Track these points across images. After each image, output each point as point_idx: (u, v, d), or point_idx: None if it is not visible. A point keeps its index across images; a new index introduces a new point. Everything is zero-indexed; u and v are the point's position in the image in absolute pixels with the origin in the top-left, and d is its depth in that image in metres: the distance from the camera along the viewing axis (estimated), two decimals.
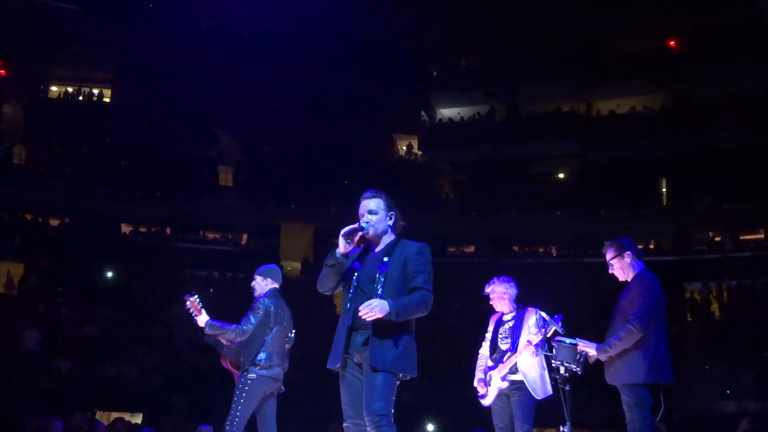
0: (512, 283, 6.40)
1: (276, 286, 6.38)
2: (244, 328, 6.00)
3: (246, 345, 6.06)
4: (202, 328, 6.09)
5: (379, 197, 4.49)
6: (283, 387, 6.29)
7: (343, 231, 4.35)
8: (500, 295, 6.35)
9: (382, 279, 4.28)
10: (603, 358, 5.29)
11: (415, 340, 4.34)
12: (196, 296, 6.06)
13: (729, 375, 17.13)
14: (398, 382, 4.27)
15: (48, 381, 16.22)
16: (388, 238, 4.48)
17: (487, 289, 6.42)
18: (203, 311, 6.05)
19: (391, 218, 4.49)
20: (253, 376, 6.00)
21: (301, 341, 20.56)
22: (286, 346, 6.33)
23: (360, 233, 4.37)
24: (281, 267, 24.07)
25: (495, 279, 6.43)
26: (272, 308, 6.19)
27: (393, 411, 4.20)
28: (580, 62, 28.05)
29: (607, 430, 10.88)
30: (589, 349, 5.33)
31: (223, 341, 6.23)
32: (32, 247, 22.22)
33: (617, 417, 5.34)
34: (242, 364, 6.05)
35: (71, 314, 19.21)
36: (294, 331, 6.44)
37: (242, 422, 5.97)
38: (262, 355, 6.05)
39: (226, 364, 6.23)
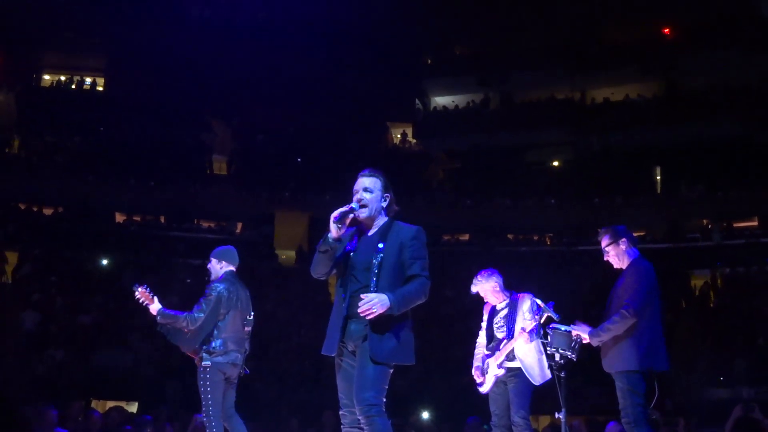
0: (495, 274, 6.37)
1: (232, 268, 6.31)
2: (195, 315, 5.92)
3: (198, 332, 5.98)
4: (155, 317, 6.02)
5: (376, 177, 4.38)
6: (246, 370, 6.24)
7: (333, 215, 4.21)
8: (490, 290, 6.34)
9: (377, 267, 4.17)
10: (595, 343, 5.30)
11: (413, 327, 4.29)
12: (145, 286, 5.99)
13: (722, 362, 17.18)
14: (392, 371, 4.23)
15: (42, 370, 16.21)
16: (381, 221, 4.36)
17: (474, 289, 6.39)
18: (155, 299, 5.98)
19: (385, 200, 4.37)
20: (208, 363, 5.95)
21: (296, 329, 20.69)
22: (246, 329, 6.25)
23: (351, 215, 4.24)
24: (276, 256, 24.01)
25: (477, 276, 6.38)
26: (225, 293, 6.08)
27: (385, 400, 4.16)
28: (574, 50, 28.02)
29: (602, 417, 10.91)
30: (583, 334, 5.34)
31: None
32: (26, 236, 22.19)
33: (612, 404, 5.35)
34: (198, 351, 5.99)
35: (65, 303, 19.19)
36: (252, 313, 6.34)
37: (217, 408, 5.93)
38: (216, 342, 5.99)
39: (187, 351, 6.15)
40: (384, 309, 4.01)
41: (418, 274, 4.18)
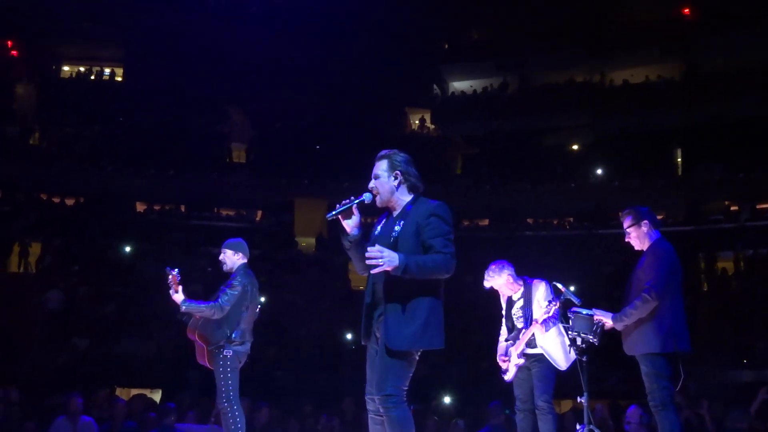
0: (506, 266, 6.32)
1: (245, 261, 6.35)
2: (223, 305, 5.98)
3: (222, 322, 6.04)
4: (177, 306, 6.07)
5: (383, 159, 4.25)
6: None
7: (328, 215, 4.11)
8: (504, 283, 6.31)
9: (392, 248, 3.94)
10: (619, 327, 5.27)
11: (441, 308, 4.08)
12: (178, 270, 6.04)
13: (745, 344, 17.08)
14: (416, 357, 4.08)
15: (66, 359, 16.38)
16: (404, 200, 4.20)
17: (487, 285, 6.34)
18: (180, 288, 6.03)
19: (395, 178, 4.18)
20: (229, 352, 6.02)
21: (315, 316, 20.73)
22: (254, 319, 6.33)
23: (355, 204, 4.09)
24: (296, 243, 24.06)
25: (488, 272, 6.32)
26: (249, 287, 6.17)
27: (406, 387, 4.06)
28: (592, 31, 27.78)
29: (625, 401, 10.88)
30: (605, 319, 5.32)
31: (196, 315, 6.16)
32: (48, 227, 22.38)
33: (635, 388, 5.33)
34: (216, 340, 6.04)
35: (87, 292, 19.36)
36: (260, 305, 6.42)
37: (236, 394, 6.03)
38: (237, 333, 6.07)
39: (194, 336, 6.18)
40: (391, 267, 3.81)
41: (439, 251, 3.97)
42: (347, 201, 4.10)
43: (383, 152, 4.29)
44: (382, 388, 4.01)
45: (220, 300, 6.01)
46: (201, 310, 6.01)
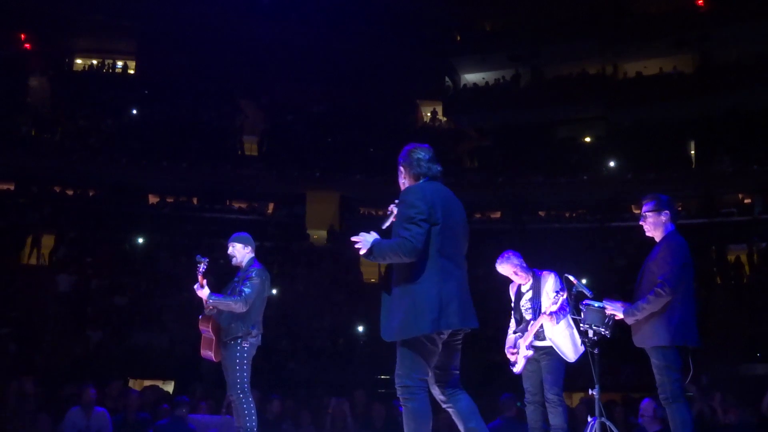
0: (511, 256, 6.34)
1: (253, 254, 6.40)
2: (248, 298, 6.03)
3: (243, 315, 6.08)
4: (201, 299, 6.10)
5: (398, 167, 4.45)
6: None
7: (383, 225, 4.30)
8: (511, 273, 6.33)
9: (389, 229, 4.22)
10: (630, 321, 5.25)
11: (431, 293, 4.03)
12: (207, 259, 6.07)
13: (759, 338, 17.02)
14: (424, 343, 4.04)
15: (80, 350, 16.51)
16: None
17: (499, 270, 6.38)
18: (205, 282, 6.06)
19: (401, 175, 4.42)
20: (246, 345, 6.08)
21: (329, 308, 20.76)
22: None
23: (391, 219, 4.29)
24: (308, 235, 24.13)
25: (497, 263, 6.37)
26: (267, 281, 6.26)
27: (422, 375, 4.07)
28: (606, 23, 27.59)
29: (637, 394, 10.86)
30: (617, 312, 5.30)
31: (210, 307, 6.17)
32: (61, 219, 22.51)
33: (647, 380, 5.32)
34: (233, 332, 6.07)
35: (101, 284, 19.48)
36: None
37: (249, 386, 6.10)
38: (254, 326, 6.13)
39: (207, 328, 6.18)
40: (365, 249, 4.07)
41: (398, 234, 4.08)
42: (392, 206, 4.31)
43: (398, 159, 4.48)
44: (396, 380, 4.08)
45: (244, 293, 6.04)
46: (228, 304, 6.04)
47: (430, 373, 4.15)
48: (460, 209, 4.32)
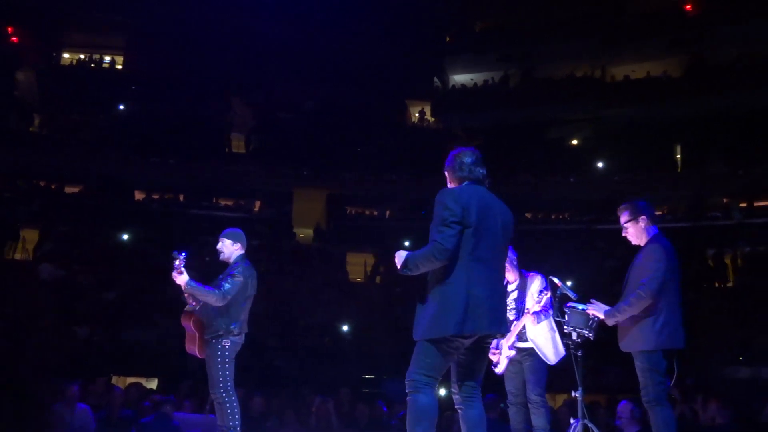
0: (510, 249, 6.32)
1: (243, 251, 6.35)
2: (226, 294, 5.97)
3: (222, 311, 6.04)
4: (179, 287, 6.05)
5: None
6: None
7: None
8: (509, 263, 6.27)
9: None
10: (610, 323, 5.28)
11: (458, 295, 4.07)
12: (185, 254, 6.03)
13: (743, 341, 17.11)
14: (443, 345, 4.09)
15: (65, 346, 16.40)
16: None
17: None
18: (184, 270, 6.01)
19: (447, 179, 4.54)
20: (227, 343, 6.04)
21: (317, 307, 20.71)
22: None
23: None
24: (294, 234, 23.96)
25: None
26: (251, 280, 6.20)
27: (430, 373, 4.11)
28: (596, 23, 27.65)
29: (621, 396, 10.90)
30: (599, 313, 5.32)
31: (192, 302, 6.16)
32: (48, 214, 22.39)
33: (631, 383, 5.33)
34: (215, 329, 6.04)
35: (88, 280, 19.38)
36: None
37: (232, 384, 6.06)
38: (236, 323, 6.08)
39: (188, 323, 6.16)
40: (399, 264, 4.17)
41: (431, 239, 4.13)
42: None
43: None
44: (407, 374, 4.15)
45: (223, 288, 6.00)
46: (204, 293, 5.98)
47: (453, 371, 4.26)
48: (502, 214, 4.40)
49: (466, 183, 4.40)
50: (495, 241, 4.25)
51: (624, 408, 8.12)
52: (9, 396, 8.65)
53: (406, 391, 4.12)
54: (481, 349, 4.28)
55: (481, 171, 4.45)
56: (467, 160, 4.45)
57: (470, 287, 4.07)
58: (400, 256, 4.16)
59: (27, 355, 15.00)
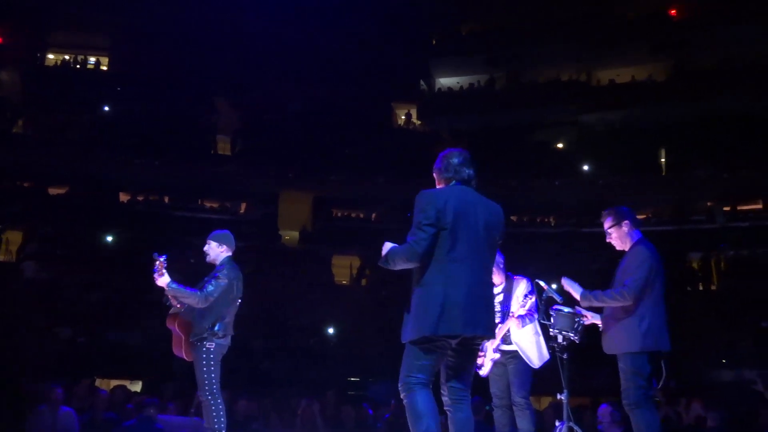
0: (498, 252, 6.32)
1: (230, 254, 6.33)
2: (209, 296, 5.94)
3: (206, 313, 6.01)
4: (162, 289, 6.02)
5: None
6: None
7: None
8: (495, 266, 6.25)
9: None
10: (584, 304, 5.31)
11: (433, 296, 4.06)
12: (165, 256, 5.99)
13: (726, 344, 17.22)
14: (427, 345, 4.08)
15: (49, 348, 16.30)
16: None
17: None
18: (165, 272, 5.98)
19: (436, 181, 4.55)
20: (212, 345, 6.01)
21: (303, 309, 20.67)
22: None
23: None
24: (280, 236, 23.93)
25: None
26: (235, 282, 6.16)
27: (419, 374, 4.10)
28: (581, 28, 27.76)
29: (605, 398, 10.93)
30: (573, 290, 5.35)
31: (176, 303, 6.14)
32: (32, 215, 22.24)
33: (615, 385, 5.35)
34: (199, 331, 6.01)
35: (72, 282, 19.28)
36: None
37: (218, 386, 6.03)
38: (219, 326, 6.05)
39: (173, 325, 6.14)
40: (383, 254, 4.24)
41: (407, 240, 4.16)
42: None
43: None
44: (399, 379, 4.15)
45: (206, 289, 5.97)
46: (186, 295, 5.94)
47: (441, 373, 4.24)
48: (486, 214, 4.33)
49: (452, 183, 4.40)
50: (476, 241, 4.19)
51: (604, 411, 8.14)
52: None
53: (401, 396, 4.11)
54: (468, 352, 4.25)
55: (468, 171, 4.43)
56: (454, 160, 4.45)
57: (446, 288, 4.05)
58: (385, 248, 4.22)
59: (9, 356, 14.90)
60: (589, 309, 5.45)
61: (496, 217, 4.39)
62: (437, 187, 4.46)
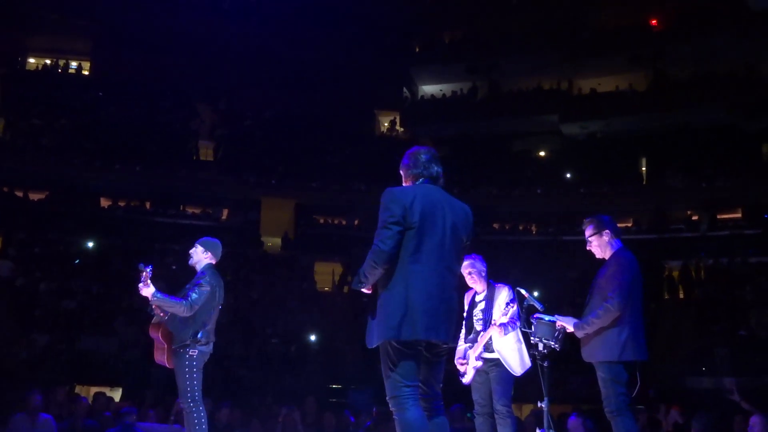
0: (477, 260, 6.34)
1: (214, 262, 6.33)
2: (193, 304, 5.94)
3: (189, 321, 6.00)
4: (147, 300, 6.01)
5: None
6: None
7: None
8: (466, 274, 6.26)
9: None
10: (579, 334, 5.32)
11: (395, 299, 3.89)
12: (151, 267, 5.97)
13: (705, 352, 17.33)
14: (399, 349, 3.89)
15: (26, 354, 16.16)
16: None
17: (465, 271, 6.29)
18: (150, 283, 5.97)
19: (402, 179, 4.36)
20: (195, 352, 6.00)
21: (282, 316, 20.61)
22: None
23: None
24: (262, 243, 23.86)
25: (465, 263, 6.28)
26: (217, 289, 6.17)
27: (403, 384, 3.89)
28: (563, 37, 27.99)
29: (587, 406, 10.99)
30: (567, 325, 5.37)
31: (160, 312, 6.13)
32: (10, 221, 22.05)
33: (596, 392, 5.39)
34: (182, 339, 6.00)
35: (49, 287, 19.11)
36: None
37: (200, 394, 6.02)
38: (202, 333, 6.05)
39: (157, 334, 6.12)
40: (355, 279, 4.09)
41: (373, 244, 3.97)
42: None
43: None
44: (387, 394, 3.96)
45: (190, 298, 5.96)
46: (171, 304, 5.93)
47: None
48: (453, 214, 4.12)
49: (420, 181, 4.22)
50: (442, 242, 4.00)
51: (575, 422, 8.11)
52: None
53: (391, 409, 3.92)
54: (430, 361, 4.07)
55: (436, 169, 4.24)
56: (422, 157, 4.25)
57: (408, 291, 3.87)
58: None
59: None
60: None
61: (465, 218, 4.20)
62: (404, 185, 4.28)
